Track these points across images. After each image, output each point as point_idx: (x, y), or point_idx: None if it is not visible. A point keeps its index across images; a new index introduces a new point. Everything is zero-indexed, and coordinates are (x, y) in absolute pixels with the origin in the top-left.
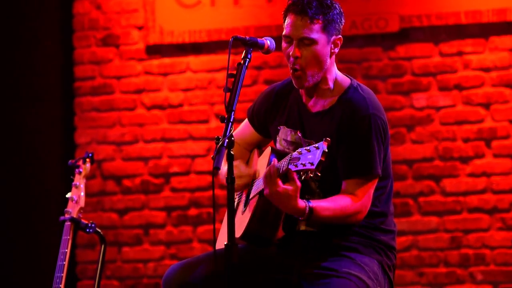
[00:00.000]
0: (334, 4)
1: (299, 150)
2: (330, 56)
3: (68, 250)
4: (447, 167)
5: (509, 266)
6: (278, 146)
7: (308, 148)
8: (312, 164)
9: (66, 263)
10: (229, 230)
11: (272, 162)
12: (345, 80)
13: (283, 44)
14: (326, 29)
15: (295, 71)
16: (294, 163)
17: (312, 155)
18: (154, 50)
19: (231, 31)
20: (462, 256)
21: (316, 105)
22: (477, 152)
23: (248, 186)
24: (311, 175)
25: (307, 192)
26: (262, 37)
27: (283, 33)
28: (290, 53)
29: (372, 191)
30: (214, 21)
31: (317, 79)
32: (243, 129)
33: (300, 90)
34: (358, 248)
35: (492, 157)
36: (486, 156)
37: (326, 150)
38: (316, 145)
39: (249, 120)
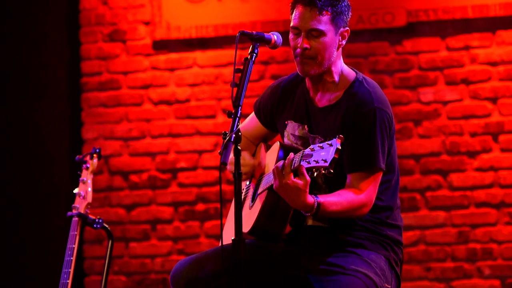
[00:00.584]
0: None
1: (312, 146)
2: (338, 48)
3: (75, 246)
4: (454, 162)
5: None
6: (285, 140)
7: (321, 144)
8: (325, 161)
9: (73, 258)
10: (236, 225)
11: (289, 156)
12: (350, 73)
13: (291, 35)
14: (335, 20)
15: (301, 61)
16: (307, 160)
17: (325, 152)
18: (161, 46)
19: (238, 26)
20: (469, 250)
21: (322, 99)
22: (484, 146)
23: (251, 176)
24: (324, 172)
25: (315, 188)
26: (269, 32)
27: (291, 24)
28: (298, 44)
29: (376, 185)
30: (221, 16)
31: (323, 69)
32: (249, 123)
33: (306, 84)
34: (365, 244)
35: (499, 152)
36: (493, 150)
37: (340, 147)
38: (330, 142)
39: (255, 114)
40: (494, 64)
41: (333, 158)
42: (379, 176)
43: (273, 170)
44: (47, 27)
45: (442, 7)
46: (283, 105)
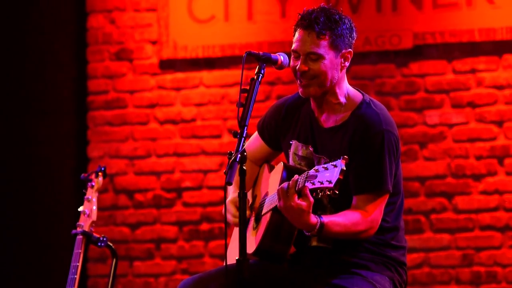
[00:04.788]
0: (344, 19)
1: (316, 167)
2: (341, 70)
3: (79, 264)
4: (460, 185)
5: None
6: (290, 160)
7: (325, 165)
8: (330, 182)
9: (77, 276)
10: (240, 245)
11: (294, 177)
12: (357, 95)
13: (292, 59)
14: (334, 44)
15: (301, 83)
16: (311, 181)
17: (329, 173)
18: (168, 65)
19: (245, 46)
20: (473, 273)
21: (328, 120)
22: (490, 169)
23: (253, 197)
24: (329, 193)
25: (319, 208)
26: (275, 53)
27: (292, 48)
28: (298, 67)
29: (383, 207)
30: (228, 36)
31: (324, 90)
32: (253, 143)
33: (311, 104)
34: (369, 265)
35: (504, 175)
36: (498, 173)
37: (344, 168)
38: (334, 163)
39: (259, 133)
40: (500, 87)
41: (338, 179)
42: (386, 198)
43: (277, 190)
44: (54, 45)
45: (449, 30)
46: (287, 125)
